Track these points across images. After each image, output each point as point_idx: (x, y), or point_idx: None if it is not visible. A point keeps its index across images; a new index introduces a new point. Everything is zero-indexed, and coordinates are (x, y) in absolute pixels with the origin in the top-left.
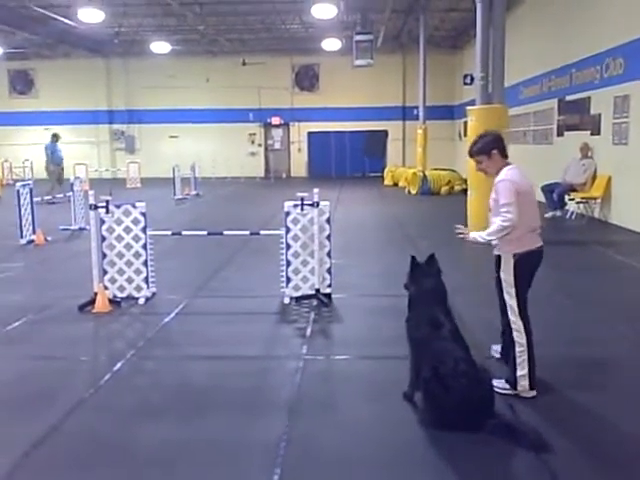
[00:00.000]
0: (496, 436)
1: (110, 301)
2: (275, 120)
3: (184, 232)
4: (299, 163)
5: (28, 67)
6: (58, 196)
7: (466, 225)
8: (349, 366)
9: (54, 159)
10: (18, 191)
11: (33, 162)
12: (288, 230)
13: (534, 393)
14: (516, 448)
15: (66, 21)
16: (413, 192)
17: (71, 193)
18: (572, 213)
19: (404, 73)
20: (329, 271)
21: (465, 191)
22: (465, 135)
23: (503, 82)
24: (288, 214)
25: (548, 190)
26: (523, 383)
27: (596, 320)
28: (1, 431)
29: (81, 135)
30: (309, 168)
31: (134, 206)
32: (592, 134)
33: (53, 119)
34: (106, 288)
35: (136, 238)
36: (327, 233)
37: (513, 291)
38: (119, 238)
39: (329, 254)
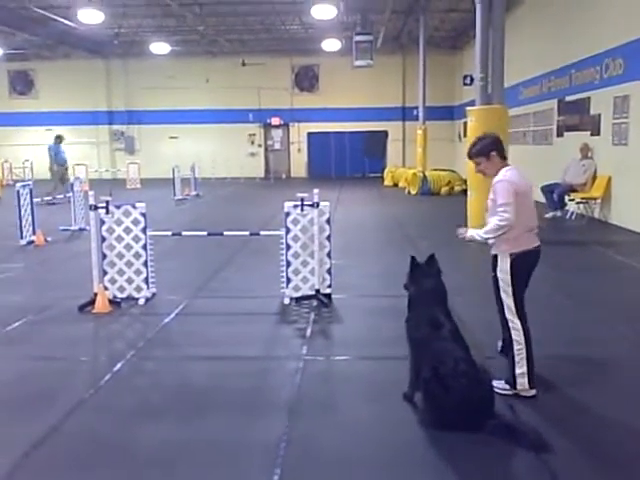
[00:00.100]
0: (496, 436)
1: (110, 302)
2: (275, 121)
3: (184, 233)
4: (299, 164)
5: (28, 68)
6: (58, 197)
7: (466, 226)
8: (349, 366)
9: (57, 160)
10: (18, 192)
11: (33, 163)
12: (288, 231)
13: (534, 392)
14: (516, 448)
15: (66, 22)
16: (413, 192)
17: (71, 194)
18: (572, 213)
19: (404, 74)
20: (329, 272)
21: (465, 192)
22: (465, 136)
23: (503, 83)
24: (288, 214)
25: (548, 190)
26: (522, 381)
27: (596, 320)
28: (1, 431)
29: (81, 136)
30: (309, 169)
31: (134, 207)
32: (592, 134)
33: (53, 120)
34: (106, 289)
35: (136, 239)
36: (327, 234)
37: (510, 290)
38: (119, 239)
39: (329, 255)
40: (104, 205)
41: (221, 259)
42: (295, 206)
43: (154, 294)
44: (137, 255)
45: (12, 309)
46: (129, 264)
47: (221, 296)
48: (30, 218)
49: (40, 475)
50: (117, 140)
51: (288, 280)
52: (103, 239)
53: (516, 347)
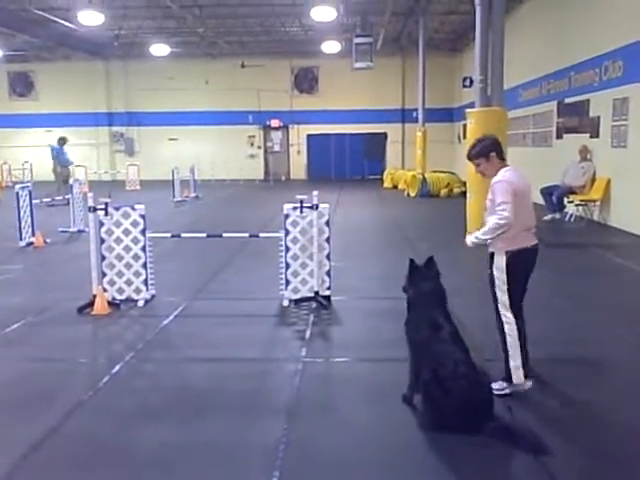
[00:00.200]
0: (495, 439)
1: (109, 303)
2: (274, 122)
3: (183, 234)
4: (298, 165)
5: (28, 69)
6: (57, 198)
7: (465, 227)
8: (348, 368)
9: (60, 161)
10: (17, 193)
11: (33, 164)
12: (287, 232)
13: (530, 384)
14: (515, 450)
15: (66, 24)
16: (412, 194)
17: (70, 195)
18: (571, 216)
19: (403, 76)
20: (328, 273)
21: (464, 194)
22: (464, 137)
23: (502, 85)
24: (287, 216)
25: (547, 193)
26: (518, 374)
27: (595, 322)
28: (0, 432)
29: (81, 137)
30: (308, 171)
31: (133, 208)
32: (591, 137)
33: (53, 121)
34: (105, 290)
35: (135, 240)
36: (326, 235)
37: (505, 287)
38: (118, 240)
39: (328, 256)
40: (103, 207)
41: (220, 261)
42: (294, 208)
43: (153, 296)
44: (136, 257)
45: (11, 310)
46: (128, 266)
47: (220, 298)
48: (29, 219)
49: (39, 476)
50: (117, 142)
51: (287, 282)
52: (102, 241)
53: (509, 340)
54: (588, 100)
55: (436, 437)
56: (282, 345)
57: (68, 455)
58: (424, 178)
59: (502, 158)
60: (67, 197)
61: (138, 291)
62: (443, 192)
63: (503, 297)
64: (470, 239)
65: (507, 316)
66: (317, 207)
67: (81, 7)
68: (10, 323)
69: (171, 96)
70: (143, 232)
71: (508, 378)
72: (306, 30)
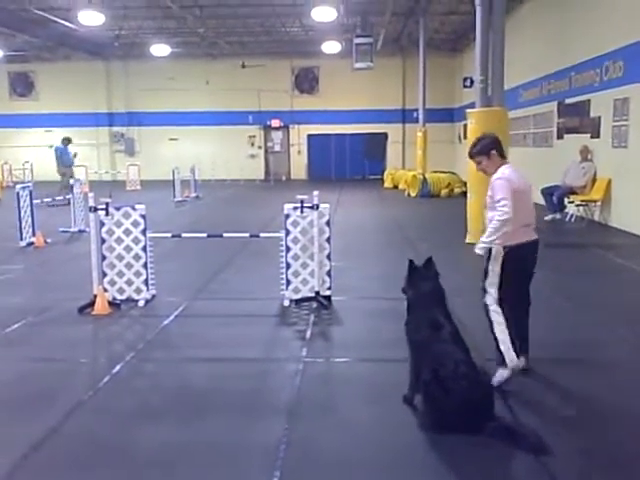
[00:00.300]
0: (496, 439)
1: (110, 303)
2: (275, 123)
3: (184, 234)
4: (299, 166)
5: (28, 69)
6: (58, 198)
7: (466, 227)
8: (349, 369)
9: (64, 161)
10: (18, 193)
11: (33, 164)
12: (288, 232)
13: (523, 361)
14: (516, 451)
15: (66, 24)
16: (413, 195)
17: (71, 195)
18: (572, 216)
19: (404, 76)
20: (329, 274)
21: (465, 194)
22: (465, 138)
23: (503, 85)
24: (288, 216)
25: (548, 193)
26: (510, 355)
27: (596, 323)
28: (1, 432)
29: (81, 137)
30: (309, 171)
31: (134, 208)
32: (592, 137)
33: (53, 121)
34: (106, 290)
35: (136, 240)
36: (327, 235)
37: (496, 281)
38: (119, 240)
39: (329, 256)
40: (104, 207)
41: (221, 261)
42: (295, 208)
43: (154, 296)
44: (137, 257)
45: (12, 310)
46: (129, 266)
47: (221, 298)
48: (30, 219)
49: (39, 476)
50: (117, 142)
51: (288, 282)
52: (103, 241)
53: (497, 327)
54: (589, 100)
55: (436, 437)
56: (283, 345)
57: (68, 455)
58: (425, 178)
59: (502, 156)
60: (68, 197)
61: (139, 291)
62: (444, 192)
63: (491, 289)
64: (478, 247)
65: (493, 306)
66: (318, 207)
67: (81, 7)
68: (11, 323)
69: (171, 96)
70: (144, 232)
71: (502, 362)
72: (306, 30)
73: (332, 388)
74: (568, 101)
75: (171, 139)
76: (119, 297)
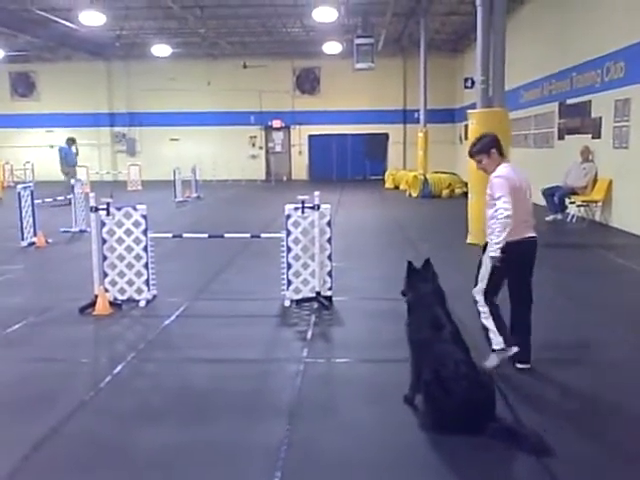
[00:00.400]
0: (497, 439)
1: (111, 303)
2: (276, 123)
3: (185, 235)
4: (300, 166)
5: (29, 70)
6: (59, 198)
7: (467, 228)
8: (350, 369)
9: (67, 161)
10: (19, 193)
11: (34, 164)
12: (289, 233)
13: (515, 349)
14: (517, 452)
15: (67, 24)
16: (414, 195)
17: (72, 195)
18: (573, 216)
19: (405, 76)
20: (330, 274)
21: (466, 194)
22: (466, 138)
23: (504, 85)
24: (289, 217)
25: (549, 193)
26: (497, 340)
27: (597, 323)
28: (1, 433)
29: (82, 138)
30: (310, 171)
31: (135, 208)
32: (593, 137)
33: (54, 122)
34: (107, 290)
35: (137, 240)
36: (328, 236)
37: (487, 275)
38: (120, 240)
39: (330, 257)
40: (105, 207)
41: (222, 261)
42: (296, 208)
43: (155, 296)
44: (138, 257)
45: (13, 311)
46: (130, 266)
47: (222, 298)
48: (31, 220)
49: (40, 477)
50: (118, 142)
51: (289, 282)
52: (104, 241)
53: (482, 316)
54: (590, 101)
55: (437, 438)
56: (283, 346)
57: (69, 456)
58: (426, 179)
59: (502, 154)
60: (69, 197)
61: (140, 291)
62: (445, 193)
63: (482, 283)
64: (491, 250)
65: (479, 298)
66: (319, 207)
67: (82, 7)
68: (12, 323)
69: (173, 96)
70: (145, 232)
71: (493, 350)
72: (308, 31)
73: (333, 389)
74: (569, 102)
75: (172, 139)
76: (120, 297)
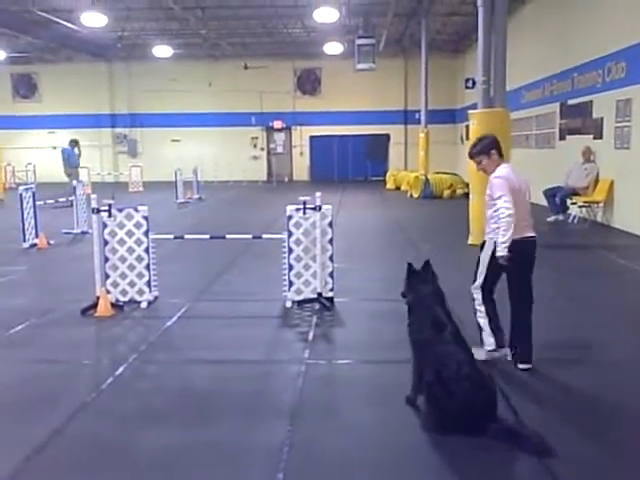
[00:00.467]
0: (499, 440)
1: (112, 305)
2: (277, 124)
3: (186, 236)
4: (301, 167)
5: (31, 71)
6: (61, 200)
7: (468, 228)
8: (351, 370)
9: (70, 163)
10: (21, 195)
11: (36, 166)
12: (290, 234)
13: (505, 351)
14: (519, 453)
15: (69, 25)
16: (415, 196)
17: (73, 197)
18: (574, 217)
19: (406, 77)
20: (331, 275)
21: (467, 195)
22: (467, 139)
23: (505, 86)
24: (290, 218)
25: (550, 194)
26: (489, 341)
27: (598, 323)
28: (3, 434)
29: (84, 139)
30: (311, 172)
31: (136, 210)
32: (594, 138)
33: (56, 123)
34: (108, 292)
35: (138, 242)
36: (329, 237)
37: (484, 272)
38: (121, 242)
39: (331, 258)
40: (106, 208)
41: (223, 262)
42: (297, 209)
43: (156, 297)
44: (139, 258)
45: (15, 312)
46: (131, 267)
47: (223, 299)
48: (33, 221)
49: (42, 478)
50: (120, 143)
51: (290, 283)
52: (105, 242)
53: (478, 314)
54: (591, 101)
55: (439, 438)
56: (285, 347)
57: (71, 457)
58: (427, 179)
59: (501, 155)
60: (70, 199)
61: (141, 293)
62: (446, 193)
63: (479, 280)
64: (499, 250)
65: (476, 296)
66: (320, 208)
67: (84, 9)
68: (14, 325)
69: (174, 97)
70: (146, 233)
71: (482, 343)
72: (309, 32)
73: (335, 390)
74: (570, 102)
75: (173, 140)
76: (122, 299)
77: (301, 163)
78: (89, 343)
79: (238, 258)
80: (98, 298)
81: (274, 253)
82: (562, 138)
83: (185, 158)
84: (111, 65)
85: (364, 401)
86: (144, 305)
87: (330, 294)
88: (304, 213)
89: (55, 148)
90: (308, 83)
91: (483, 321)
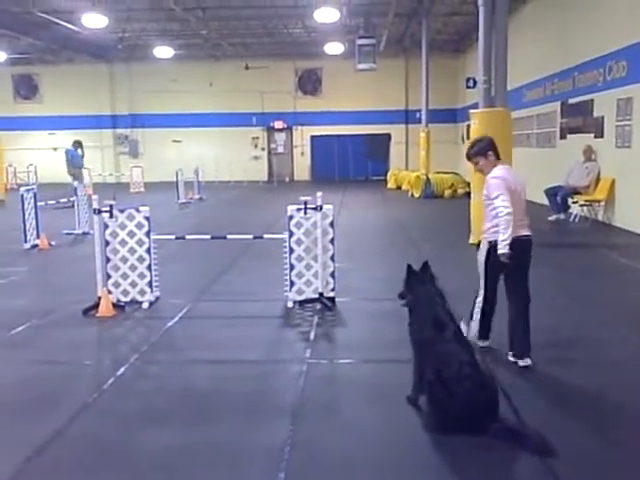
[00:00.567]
0: (500, 440)
1: (114, 305)
2: (278, 124)
3: (188, 236)
4: (302, 167)
5: (32, 72)
6: (62, 200)
7: (469, 228)
8: (353, 370)
9: (74, 163)
10: (22, 196)
11: (37, 167)
12: (291, 234)
13: (481, 343)
14: (520, 452)
15: (70, 26)
16: (416, 195)
17: (75, 198)
18: (575, 216)
19: (407, 77)
20: (332, 275)
21: (468, 194)
22: (468, 138)
23: (506, 85)
24: (291, 218)
25: (552, 193)
26: (474, 329)
27: (600, 322)
28: (5, 435)
29: (85, 140)
30: (312, 172)
31: (138, 210)
32: (595, 137)
33: (57, 124)
34: (110, 292)
35: (140, 242)
36: (330, 237)
37: (482, 272)
38: (123, 242)
39: (332, 258)
40: (108, 209)
41: (224, 262)
42: (298, 209)
43: (158, 298)
44: (141, 259)
45: (16, 313)
46: (133, 268)
47: (224, 299)
48: (34, 222)
49: (43, 479)
50: (121, 144)
51: (291, 283)
52: (107, 243)
53: (475, 307)
54: (592, 100)
55: (440, 438)
56: (286, 346)
57: (72, 458)
58: (428, 179)
59: (498, 157)
60: (72, 199)
61: (143, 293)
62: (447, 193)
63: (481, 280)
64: (500, 247)
65: (480, 292)
66: (321, 208)
67: (85, 10)
68: (15, 325)
69: (175, 98)
70: (147, 234)
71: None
72: (309, 32)
73: (336, 389)
74: (571, 101)
75: (175, 141)
76: (123, 299)
77: (302, 163)
78: (90, 344)
79: (239, 258)
80: (99, 298)
81: (275, 253)
82: (563, 137)
83: (186, 158)
84: (112, 66)
85: (365, 400)
86: (145, 305)
87: (331, 294)
88: (305, 213)
89: (56, 149)
90: (309, 83)
91: (476, 314)
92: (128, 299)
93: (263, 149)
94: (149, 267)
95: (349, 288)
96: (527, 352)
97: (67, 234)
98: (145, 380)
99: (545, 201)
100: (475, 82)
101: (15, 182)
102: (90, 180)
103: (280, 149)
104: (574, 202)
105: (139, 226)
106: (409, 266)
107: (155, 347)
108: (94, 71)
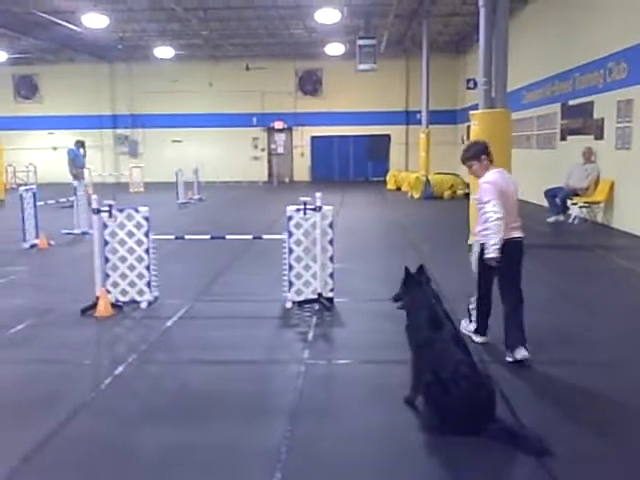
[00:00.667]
0: (497, 440)
1: (112, 305)
2: (278, 124)
3: (187, 236)
4: (302, 167)
5: (32, 72)
6: (61, 200)
7: (468, 229)
8: (351, 370)
9: (76, 163)
10: (21, 195)
11: (37, 166)
12: (290, 234)
13: (478, 339)
14: (517, 453)
15: (70, 26)
16: (416, 196)
17: (74, 197)
18: (575, 218)
19: (407, 78)
20: (331, 275)
21: (468, 195)
22: (468, 139)
23: (506, 86)
24: (291, 218)
25: (551, 195)
26: (472, 325)
27: (597, 323)
28: (2, 435)
29: (85, 140)
30: (312, 172)
31: (137, 210)
32: (595, 138)
33: (57, 124)
34: (108, 292)
35: (139, 242)
36: (330, 237)
37: (477, 271)
38: (122, 242)
39: (331, 258)
40: (107, 209)
41: (223, 263)
42: (298, 210)
43: (156, 298)
44: (140, 259)
45: (15, 312)
46: (132, 268)
47: (223, 300)
48: (33, 222)
49: (40, 479)
50: (121, 144)
51: (290, 284)
52: (106, 243)
53: (471, 305)
54: (592, 102)
55: (438, 439)
56: (285, 347)
57: (70, 457)
58: (428, 180)
59: (491, 161)
60: (71, 199)
61: (141, 293)
62: (447, 194)
63: (476, 293)
64: (489, 252)
65: (477, 290)
66: (320, 209)
67: (85, 10)
68: (14, 325)
69: (175, 98)
70: (147, 234)
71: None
72: (310, 32)
73: (334, 390)
74: (571, 102)
75: (175, 141)
76: (122, 299)
77: (302, 164)
78: (89, 343)
79: (238, 258)
80: (98, 298)
81: (274, 254)
82: (563, 139)
83: (186, 159)
84: (112, 66)
85: (363, 401)
86: (144, 305)
87: (330, 294)
88: (304, 214)
89: (55, 149)
90: (309, 84)
91: (473, 312)
92: (126, 299)
93: (263, 149)
94: (148, 267)
95: (348, 289)
96: (521, 342)
97: (66, 234)
98: (143, 380)
99: (544, 203)
100: (475, 83)
101: (15, 182)
102: (90, 180)
103: (280, 150)
104: (574, 204)
105: (138, 226)
106: (407, 269)
107: (153, 347)
108: (94, 71)
